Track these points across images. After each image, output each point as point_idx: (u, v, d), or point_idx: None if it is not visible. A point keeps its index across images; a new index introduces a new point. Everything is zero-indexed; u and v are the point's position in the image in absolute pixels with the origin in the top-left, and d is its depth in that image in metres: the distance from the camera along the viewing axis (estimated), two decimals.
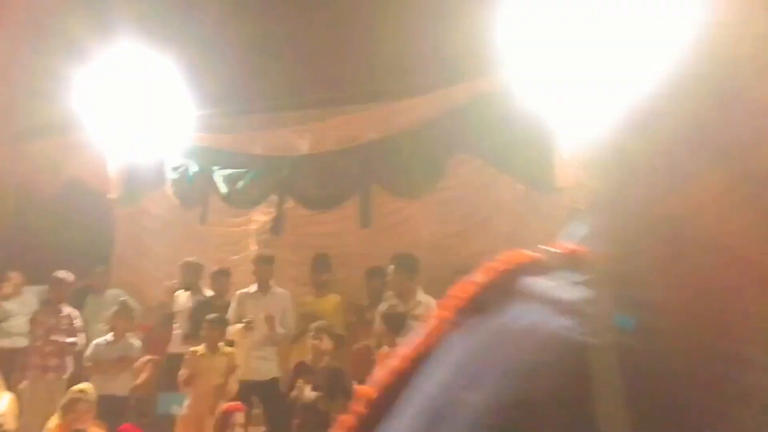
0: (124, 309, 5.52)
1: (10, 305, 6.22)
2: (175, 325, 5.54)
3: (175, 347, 5.43)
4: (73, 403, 4.43)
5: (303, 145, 6.05)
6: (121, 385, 5.25)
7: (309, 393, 4.40)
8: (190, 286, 5.59)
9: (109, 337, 5.41)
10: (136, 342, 5.47)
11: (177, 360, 5.04)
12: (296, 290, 5.59)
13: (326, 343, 4.69)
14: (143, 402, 5.25)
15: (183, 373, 4.75)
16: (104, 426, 4.49)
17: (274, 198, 6.14)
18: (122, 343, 5.38)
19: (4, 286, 6.52)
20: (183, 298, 5.60)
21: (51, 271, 5.96)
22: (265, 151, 6.19)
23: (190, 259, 5.74)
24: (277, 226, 6.07)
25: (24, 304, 6.01)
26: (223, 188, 6.39)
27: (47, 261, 6.61)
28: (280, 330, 5.02)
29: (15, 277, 6.64)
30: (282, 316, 5.04)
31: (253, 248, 5.85)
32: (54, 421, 4.60)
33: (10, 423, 4.97)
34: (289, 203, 6.11)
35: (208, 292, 5.63)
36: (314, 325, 4.82)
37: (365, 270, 5.32)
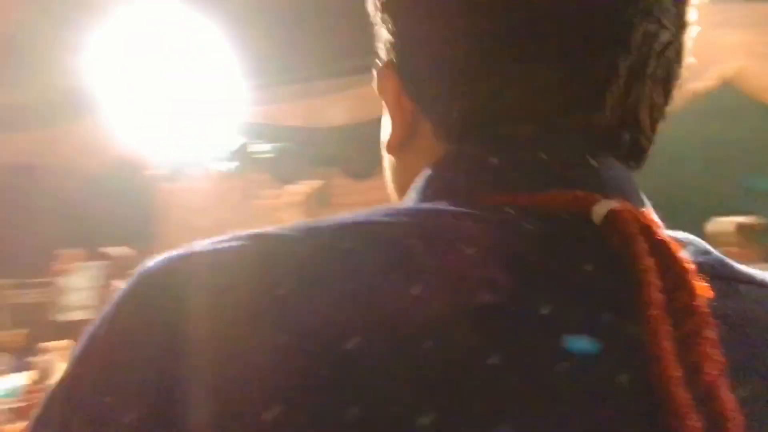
0: None
1: (69, 281, 6.44)
2: None
3: None
4: None
5: (343, 114, 6.05)
6: None
7: None
8: None
9: None
10: None
11: None
12: None
13: None
14: None
15: None
16: None
17: (316, 169, 6.17)
18: None
19: (62, 263, 6.75)
20: None
21: (98, 246, 6.10)
22: (305, 122, 6.21)
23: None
24: (320, 197, 6.11)
25: (82, 280, 6.17)
26: (265, 162, 6.44)
27: (97, 239, 6.77)
28: None
29: (72, 253, 6.87)
30: None
31: (296, 220, 5.90)
32: None
33: None
34: (332, 173, 6.14)
35: None
36: None
37: None
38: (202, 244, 0.37)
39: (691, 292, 0.31)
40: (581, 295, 0.31)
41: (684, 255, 0.33)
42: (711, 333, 0.30)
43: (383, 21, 0.44)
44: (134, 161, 7.15)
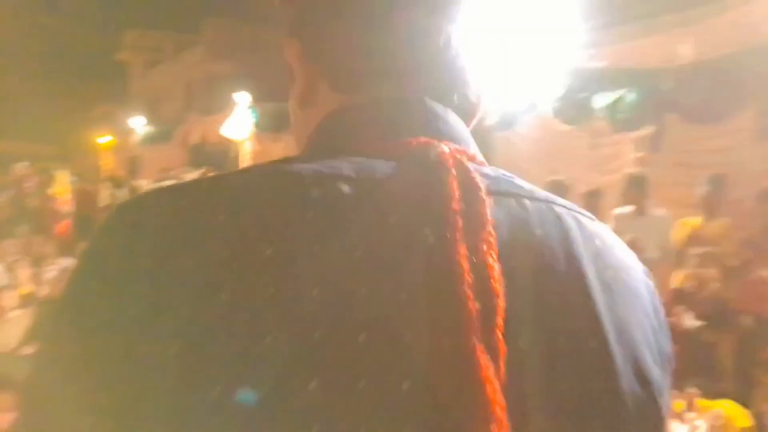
0: None
1: None
2: None
3: None
4: None
5: (686, 52, 5.45)
6: None
7: (690, 321, 4.15)
8: None
9: None
10: None
11: None
12: (679, 212, 5.20)
13: (712, 271, 4.31)
14: None
15: None
16: None
17: (652, 114, 5.73)
18: None
19: None
20: None
21: None
22: (641, 63, 5.77)
23: (556, 177, 5.85)
24: (656, 143, 5.68)
25: None
26: (601, 109, 6.22)
27: None
28: (653, 253, 4.75)
29: None
30: (659, 239, 4.76)
31: (628, 168, 5.59)
32: None
33: None
34: (670, 118, 5.63)
35: None
36: (700, 251, 4.46)
37: (758, 191, 4.62)
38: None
39: (481, 204, 0.47)
40: (408, 205, 0.47)
41: (482, 180, 0.49)
42: (491, 231, 0.46)
43: (286, 3, 0.60)
44: None
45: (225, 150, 13.87)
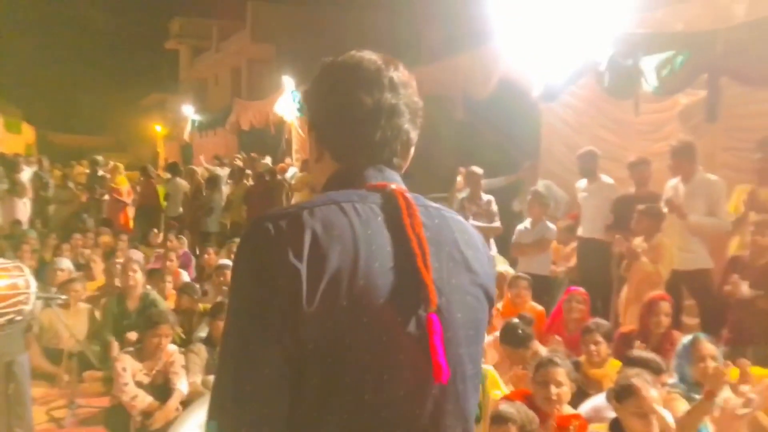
0: (536, 197, 5.96)
1: (460, 195, 7.37)
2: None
3: (586, 233, 5.70)
4: (515, 280, 5.10)
5: (739, 11, 5.24)
6: (539, 266, 5.77)
7: (746, 289, 4.10)
8: (589, 174, 5.70)
9: (527, 223, 5.94)
10: (551, 226, 5.88)
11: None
12: (733, 177, 5.08)
13: None
14: (573, 283, 5.65)
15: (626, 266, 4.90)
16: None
17: (704, 78, 5.55)
18: (539, 227, 5.86)
19: (459, 182, 7.74)
20: (582, 185, 5.77)
21: (488, 165, 6.72)
22: (692, 26, 5.57)
23: (588, 148, 5.83)
24: (710, 109, 5.51)
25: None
26: (650, 76, 6.05)
27: (485, 155, 7.49)
28: (705, 219, 4.66)
29: (463, 171, 7.77)
30: (712, 205, 4.67)
31: (678, 135, 5.48)
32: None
33: None
34: (723, 82, 5.45)
35: (605, 178, 5.67)
36: (758, 218, 4.38)
37: None
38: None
39: (416, 217, 1.02)
40: (378, 221, 1.01)
41: (416, 203, 1.05)
42: (423, 231, 1.01)
43: (305, 102, 1.31)
44: (518, 83, 7.56)
45: (275, 134, 14.10)
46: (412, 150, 1.15)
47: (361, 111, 1.07)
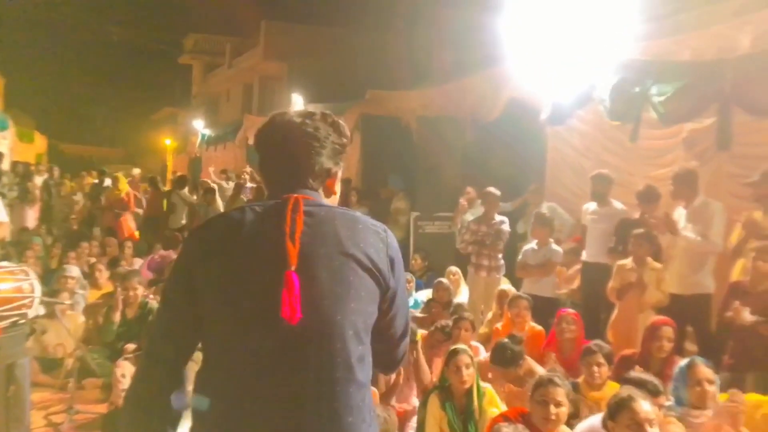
0: (538, 219, 5.99)
1: (466, 216, 7.39)
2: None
3: (591, 257, 5.69)
4: (516, 300, 5.09)
5: (745, 42, 5.28)
6: (544, 287, 5.78)
7: (747, 316, 4.09)
8: (600, 198, 5.71)
9: (534, 244, 5.95)
10: (557, 249, 5.90)
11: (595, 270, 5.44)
12: (738, 205, 5.09)
13: None
14: (575, 305, 5.65)
15: (612, 285, 4.94)
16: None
17: (708, 106, 5.58)
18: (544, 250, 5.88)
19: (462, 201, 7.77)
20: (591, 208, 5.77)
21: (495, 186, 6.74)
22: (698, 56, 5.60)
23: (602, 171, 5.85)
24: (721, 136, 5.52)
25: (475, 215, 7.01)
26: (656, 104, 6.10)
27: (492, 177, 7.52)
28: (694, 238, 4.64)
29: (470, 191, 7.82)
30: (705, 226, 4.67)
31: (681, 162, 5.50)
32: (492, 311, 5.51)
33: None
34: (728, 110, 5.47)
35: (616, 204, 5.67)
36: (759, 245, 4.38)
37: None
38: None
39: (299, 210, 1.48)
40: (272, 221, 1.47)
41: (303, 204, 1.50)
42: (302, 218, 1.46)
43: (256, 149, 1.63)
44: (526, 106, 7.62)
45: None
46: (337, 174, 1.61)
47: (278, 155, 1.57)
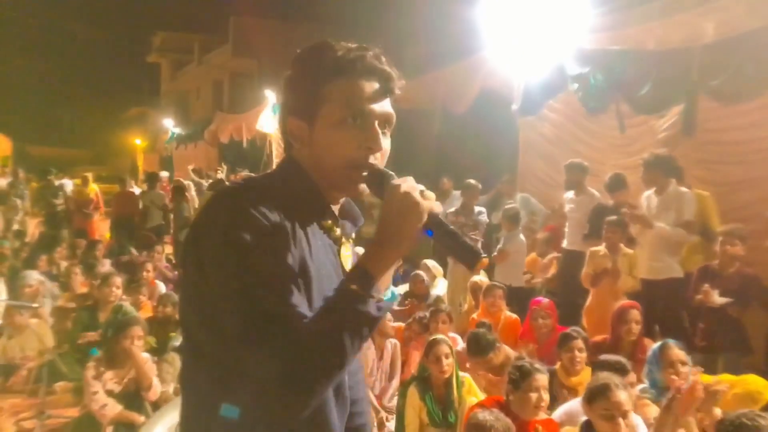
0: (505, 214, 6.20)
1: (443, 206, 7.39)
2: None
3: (569, 245, 5.75)
4: (490, 288, 5.12)
5: (710, 30, 5.36)
6: (509, 276, 5.87)
7: (717, 298, 4.16)
8: (574, 186, 5.77)
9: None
10: (517, 239, 6.05)
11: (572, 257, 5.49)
12: (705, 190, 5.17)
13: (738, 248, 4.30)
14: (551, 293, 5.69)
15: (586, 271, 4.98)
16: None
17: (677, 95, 5.66)
18: (504, 238, 6.05)
19: (437, 191, 7.79)
20: (569, 197, 5.82)
21: (467, 178, 6.77)
22: (664, 45, 5.68)
23: (575, 160, 5.90)
24: (686, 124, 5.60)
25: (451, 206, 7.01)
26: (621, 91, 6.17)
27: (464, 168, 7.54)
28: (668, 229, 4.71)
29: (446, 182, 7.83)
30: (679, 217, 4.74)
31: (651, 149, 5.56)
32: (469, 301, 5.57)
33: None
34: (696, 98, 5.55)
35: (592, 192, 5.73)
36: (726, 228, 4.46)
37: None
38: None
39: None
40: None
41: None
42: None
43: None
44: (497, 96, 7.65)
45: (257, 146, 14.08)
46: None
47: None
